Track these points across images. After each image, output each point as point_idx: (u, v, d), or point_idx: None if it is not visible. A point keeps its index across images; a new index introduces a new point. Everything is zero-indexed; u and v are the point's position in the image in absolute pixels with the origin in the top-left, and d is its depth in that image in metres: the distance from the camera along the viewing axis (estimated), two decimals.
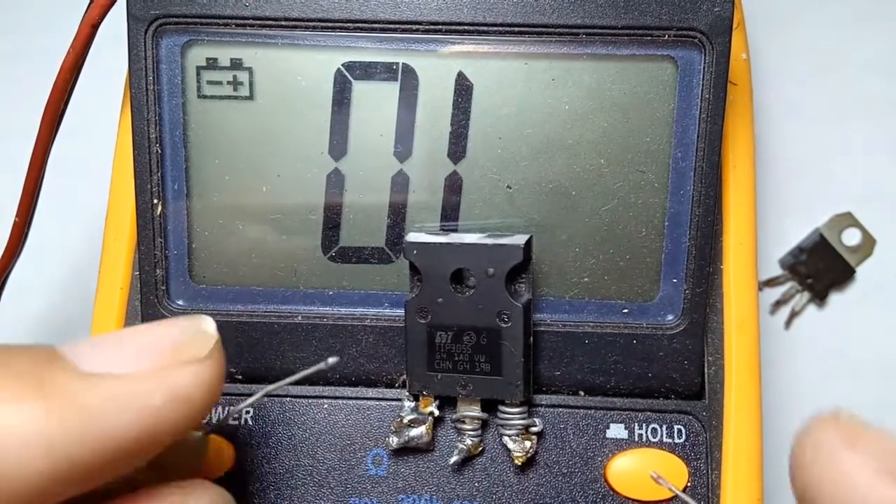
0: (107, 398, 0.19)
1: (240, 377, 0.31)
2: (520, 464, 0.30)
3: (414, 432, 0.30)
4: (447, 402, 0.30)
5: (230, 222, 0.31)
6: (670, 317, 0.31)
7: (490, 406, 0.30)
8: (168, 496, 0.22)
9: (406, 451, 0.31)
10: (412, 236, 0.29)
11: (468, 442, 0.30)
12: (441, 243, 0.29)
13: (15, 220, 0.33)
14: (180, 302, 0.31)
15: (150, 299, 0.31)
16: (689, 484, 0.30)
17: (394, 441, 0.30)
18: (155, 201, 0.31)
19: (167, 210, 0.31)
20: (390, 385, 0.31)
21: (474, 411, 0.30)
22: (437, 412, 0.30)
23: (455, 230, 0.31)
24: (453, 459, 0.30)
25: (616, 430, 0.31)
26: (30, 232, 0.34)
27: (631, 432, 0.31)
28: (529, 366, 0.29)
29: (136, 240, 0.31)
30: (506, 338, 0.29)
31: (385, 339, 0.31)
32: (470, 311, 0.29)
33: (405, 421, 0.30)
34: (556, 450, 0.31)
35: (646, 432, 0.31)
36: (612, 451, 0.31)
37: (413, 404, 0.30)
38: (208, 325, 0.22)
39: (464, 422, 0.30)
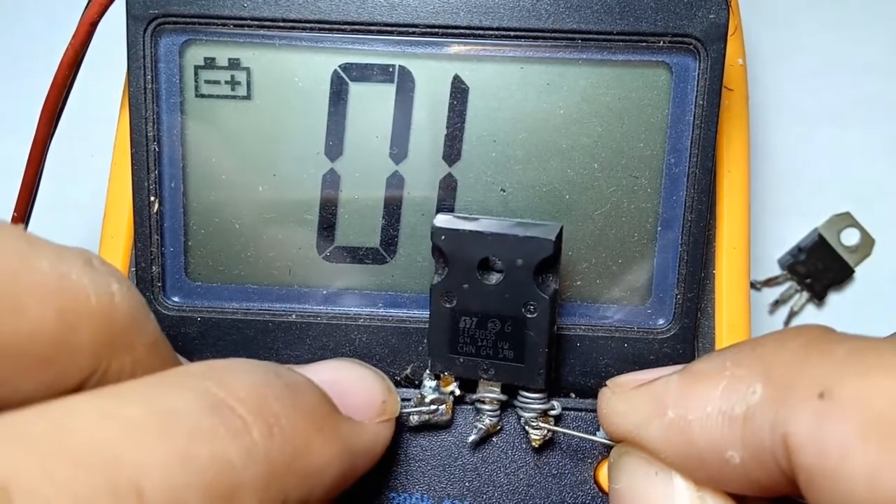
0: (364, 443, 0.25)
1: None
2: (537, 447, 0.30)
3: (435, 410, 0.30)
4: (464, 386, 0.30)
5: (226, 220, 0.31)
6: (661, 321, 0.31)
7: (509, 388, 0.30)
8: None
9: (396, 449, 0.31)
10: (440, 220, 0.28)
11: (487, 421, 0.30)
12: (470, 231, 0.28)
13: (13, 216, 0.33)
14: (176, 299, 0.32)
15: (145, 296, 0.31)
16: None
17: (414, 419, 0.30)
18: (152, 199, 0.31)
19: (164, 208, 0.31)
20: None
21: (495, 392, 0.30)
22: (458, 391, 0.30)
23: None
24: (472, 438, 0.30)
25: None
26: (28, 228, 0.34)
27: None
28: (552, 355, 0.29)
29: (133, 237, 0.31)
30: (530, 328, 0.28)
31: (378, 338, 0.31)
32: (496, 300, 0.28)
33: (426, 399, 0.30)
34: (547, 451, 0.31)
35: None
36: (602, 453, 0.31)
37: (434, 383, 0.30)
38: (391, 386, 0.28)
39: (483, 402, 0.30)
